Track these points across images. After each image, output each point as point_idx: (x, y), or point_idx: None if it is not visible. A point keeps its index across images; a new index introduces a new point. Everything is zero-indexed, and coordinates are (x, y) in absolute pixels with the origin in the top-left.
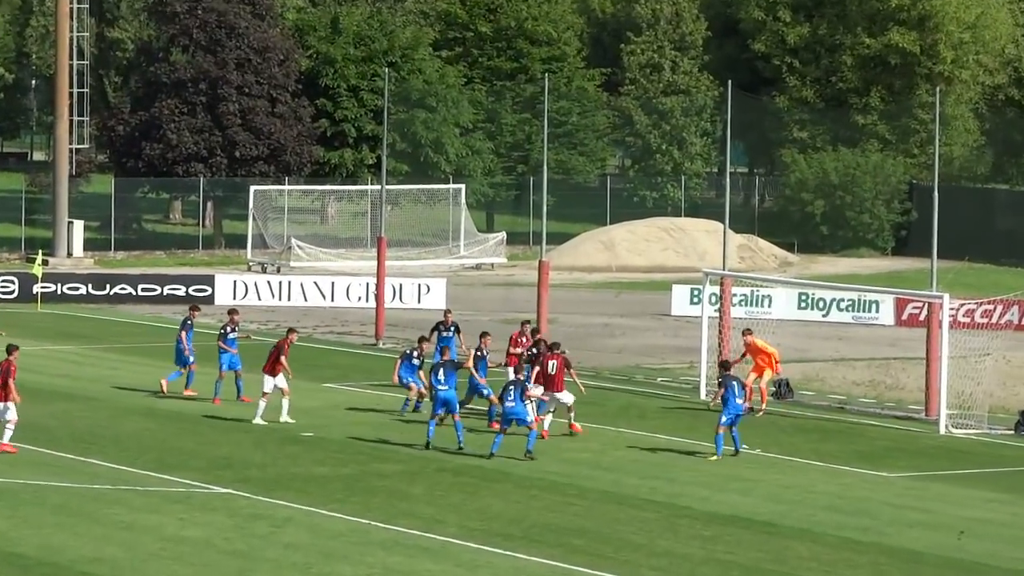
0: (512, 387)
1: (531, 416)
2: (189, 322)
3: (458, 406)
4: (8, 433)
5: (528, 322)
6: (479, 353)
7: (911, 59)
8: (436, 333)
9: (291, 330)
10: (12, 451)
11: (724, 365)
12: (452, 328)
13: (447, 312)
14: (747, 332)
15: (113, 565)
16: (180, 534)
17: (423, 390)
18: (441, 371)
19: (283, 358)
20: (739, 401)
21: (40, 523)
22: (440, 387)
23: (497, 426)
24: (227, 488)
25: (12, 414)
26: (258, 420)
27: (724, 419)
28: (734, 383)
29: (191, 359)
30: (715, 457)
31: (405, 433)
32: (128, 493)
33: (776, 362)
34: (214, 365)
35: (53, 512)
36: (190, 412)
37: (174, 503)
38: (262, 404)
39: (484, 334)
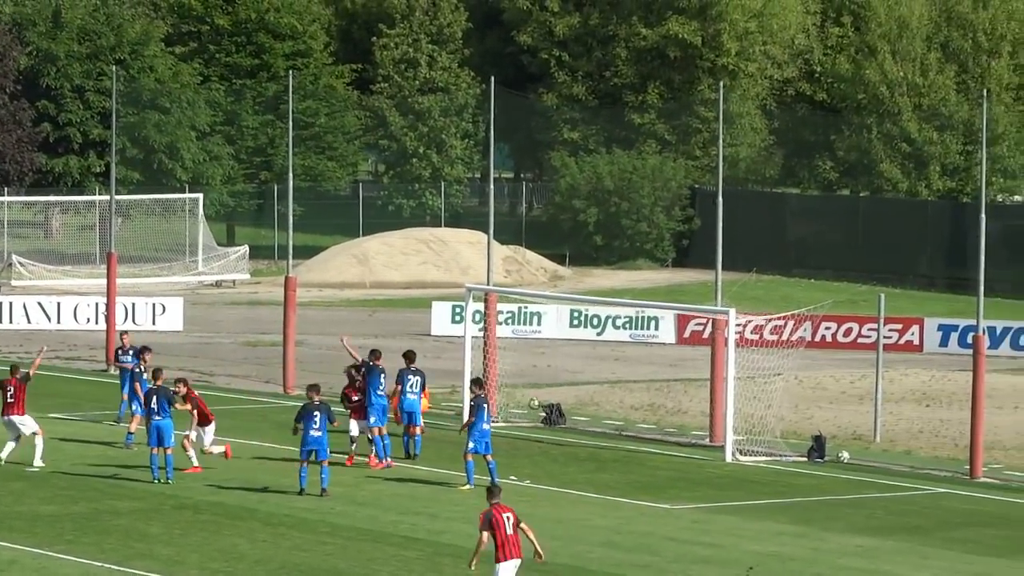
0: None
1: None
2: None
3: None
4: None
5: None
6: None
7: (692, 51)
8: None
9: (14, 367)
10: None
11: (478, 383)
12: (131, 351)
13: (123, 335)
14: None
15: None
16: None
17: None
18: (154, 399)
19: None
20: (485, 426)
21: None
22: (155, 416)
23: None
24: None
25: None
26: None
27: (471, 445)
28: (485, 405)
29: None
30: (467, 487)
31: (141, 468)
32: None
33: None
34: None
35: None
36: None
37: None
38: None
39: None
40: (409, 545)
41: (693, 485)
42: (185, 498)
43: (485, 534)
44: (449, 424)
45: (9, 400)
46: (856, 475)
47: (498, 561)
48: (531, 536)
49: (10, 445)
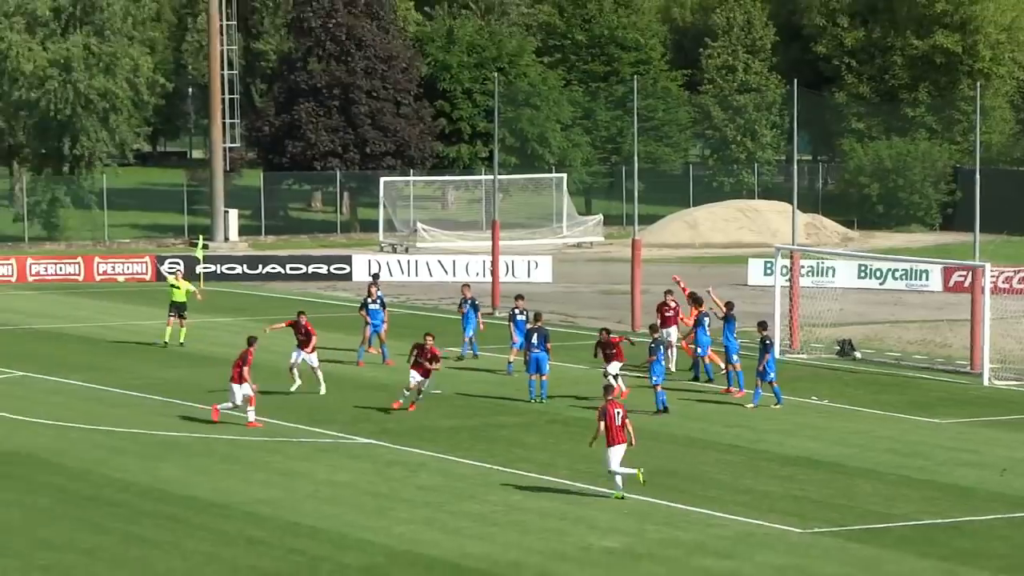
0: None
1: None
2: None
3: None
4: (251, 413)
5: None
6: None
7: (954, 58)
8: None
9: (252, 339)
10: (258, 426)
11: (763, 325)
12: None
13: (372, 285)
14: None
15: (275, 505)
16: (330, 478)
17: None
18: (535, 336)
19: (246, 368)
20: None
21: (210, 471)
22: (533, 350)
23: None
24: (368, 439)
25: (240, 395)
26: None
27: (771, 374)
28: (770, 343)
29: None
30: (777, 406)
31: (520, 390)
32: (284, 444)
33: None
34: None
35: (221, 461)
36: (335, 373)
37: (324, 452)
38: (230, 407)
39: (519, 296)
40: (732, 451)
41: (957, 404)
42: (555, 414)
43: (601, 423)
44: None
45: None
46: None
47: (608, 445)
48: (630, 429)
49: (251, 414)
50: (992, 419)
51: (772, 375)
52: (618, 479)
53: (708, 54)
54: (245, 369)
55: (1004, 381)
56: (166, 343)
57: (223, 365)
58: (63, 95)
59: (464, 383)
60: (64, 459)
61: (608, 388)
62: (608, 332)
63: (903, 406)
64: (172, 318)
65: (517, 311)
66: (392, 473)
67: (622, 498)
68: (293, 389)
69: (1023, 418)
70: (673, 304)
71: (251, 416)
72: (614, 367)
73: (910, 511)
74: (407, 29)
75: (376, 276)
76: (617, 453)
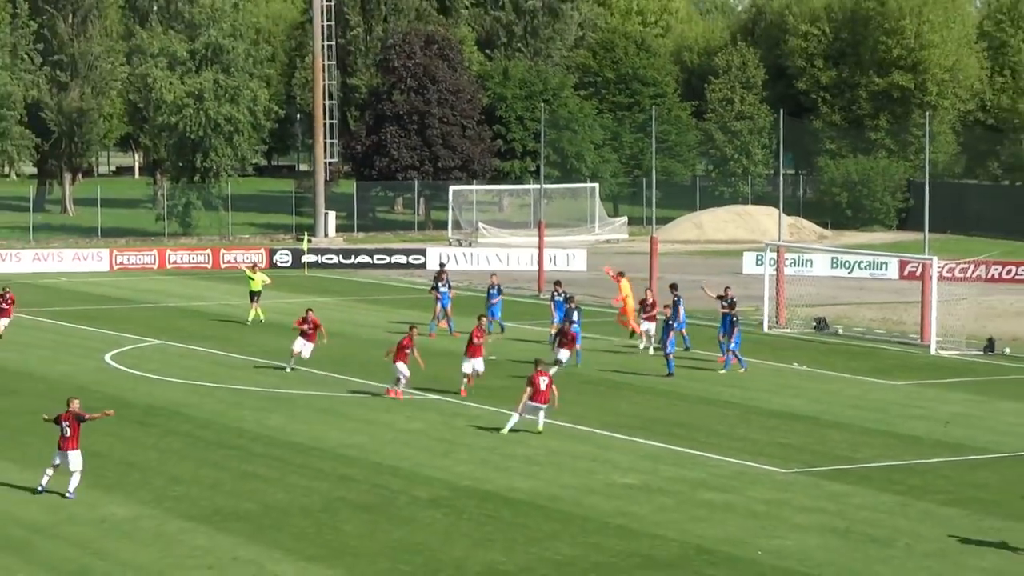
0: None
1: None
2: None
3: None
4: (402, 384)
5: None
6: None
7: (908, 92)
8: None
9: (412, 327)
10: (399, 398)
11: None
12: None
13: (442, 270)
14: (620, 275)
15: (361, 448)
16: (406, 427)
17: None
18: (575, 313)
19: (414, 351)
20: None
21: (310, 420)
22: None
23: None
24: (437, 396)
25: (402, 371)
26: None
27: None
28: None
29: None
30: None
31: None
32: (369, 399)
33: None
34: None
35: (319, 412)
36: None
37: (401, 406)
38: (403, 382)
39: (557, 282)
40: (728, 407)
41: (910, 370)
42: (587, 376)
43: (528, 388)
44: (753, 331)
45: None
46: (1017, 364)
47: (531, 400)
48: (554, 392)
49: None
50: (937, 381)
51: (736, 343)
52: (541, 422)
53: (711, 89)
54: (407, 351)
55: (948, 351)
56: (248, 322)
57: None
58: (196, 119)
59: (515, 351)
60: (192, 411)
61: (537, 361)
62: (571, 323)
63: (866, 371)
64: (254, 304)
65: (556, 294)
66: (455, 423)
67: (539, 433)
68: (289, 370)
69: (962, 381)
70: (651, 300)
71: (399, 388)
72: (563, 354)
73: (871, 455)
74: (471, 68)
75: (443, 265)
76: (536, 411)
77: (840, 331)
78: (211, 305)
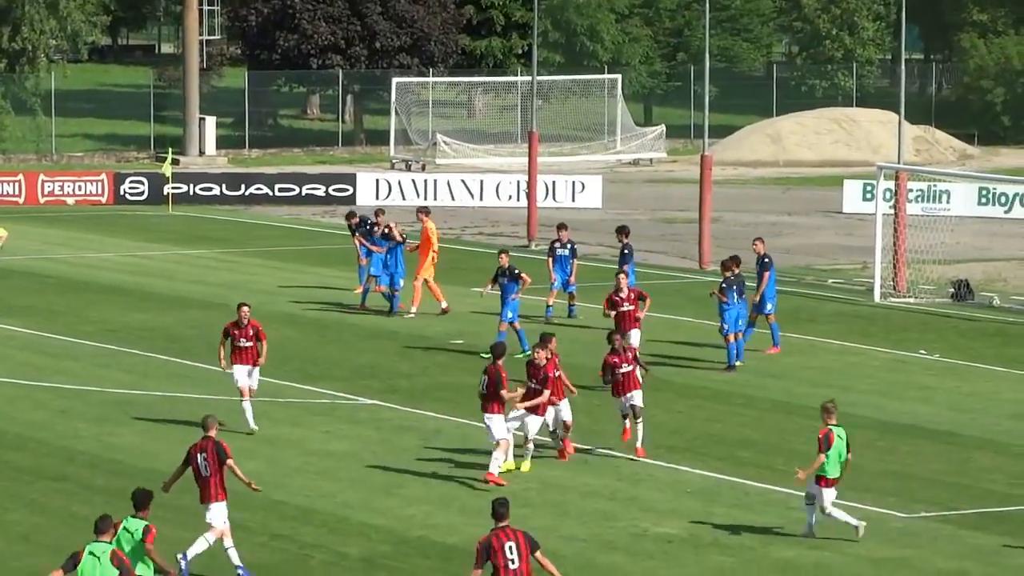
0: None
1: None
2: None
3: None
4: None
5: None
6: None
7: None
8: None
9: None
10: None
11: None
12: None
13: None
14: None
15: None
16: (325, 448)
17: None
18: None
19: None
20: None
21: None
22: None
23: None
24: (373, 399)
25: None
26: None
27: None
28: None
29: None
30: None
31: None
32: (269, 405)
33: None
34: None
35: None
36: (333, 320)
37: (317, 415)
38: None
39: (561, 226)
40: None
41: None
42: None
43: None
44: (861, 300)
45: None
46: None
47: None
48: (566, 381)
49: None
50: None
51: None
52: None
53: None
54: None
55: None
56: None
57: (195, 308)
58: None
59: (492, 331)
60: None
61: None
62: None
63: None
64: None
65: (558, 244)
66: (401, 442)
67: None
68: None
69: None
70: (624, 295)
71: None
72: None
73: None
74: None
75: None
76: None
77: (995, 301)
78: (24, 260)
